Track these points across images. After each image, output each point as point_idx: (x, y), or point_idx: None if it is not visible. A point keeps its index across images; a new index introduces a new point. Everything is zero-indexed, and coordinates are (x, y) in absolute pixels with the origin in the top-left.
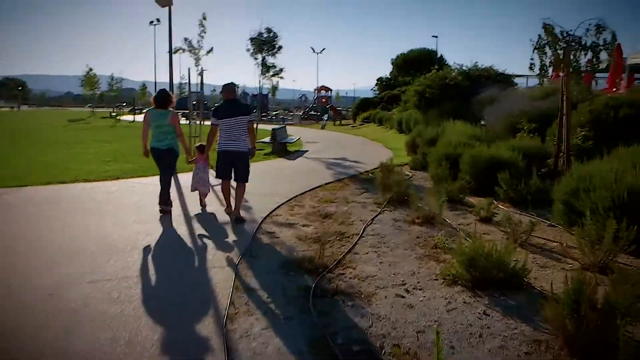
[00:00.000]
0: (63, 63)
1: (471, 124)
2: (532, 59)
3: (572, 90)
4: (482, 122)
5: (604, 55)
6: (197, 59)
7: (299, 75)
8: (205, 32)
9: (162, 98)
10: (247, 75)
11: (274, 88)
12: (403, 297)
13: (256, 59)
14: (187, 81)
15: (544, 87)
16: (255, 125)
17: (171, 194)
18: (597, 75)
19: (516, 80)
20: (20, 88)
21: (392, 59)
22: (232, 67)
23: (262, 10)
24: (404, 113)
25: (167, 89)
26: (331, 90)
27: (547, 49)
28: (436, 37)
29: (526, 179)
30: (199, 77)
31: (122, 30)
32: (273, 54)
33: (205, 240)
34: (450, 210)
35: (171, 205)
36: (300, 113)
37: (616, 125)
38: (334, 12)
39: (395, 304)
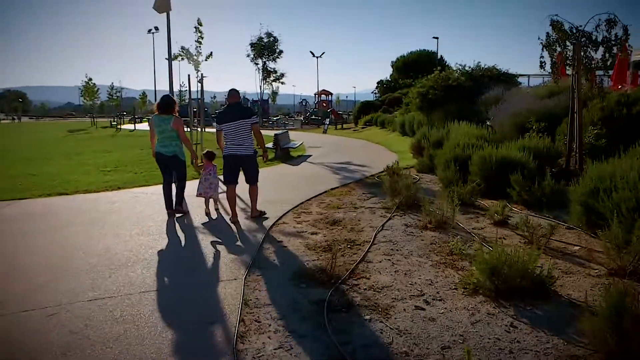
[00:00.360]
0: (63, 74)
1: (476, 125)
2: (542, 57)
3: (583, 87)
4: (488, 123)
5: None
6: (197, 65)
7: (298, 80)
8: (202, 38)
9: (166, 103)
10: (247, 81)
11: (274, 93)
12: (423, 309)
13: (257, 64)
14: (187, 88)
15: (549, 85)
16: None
17: (173, 202)
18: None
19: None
20: (20, 100)
21: (392, 62)
22: (231, 73)
23: (261, 14)
24: (406, 115)
25: (169, 95)
26: (332, 94)
27: (557, 46)
28: (437, 38)
29: (539, 180)
30: (199, 85)
31: (121, 40)
32: (274, 59)
33: (210, 251)
34: (462, 213)
35: (187, 208)
36: (302, 118)
37: (630, 122)
38: (332, 16)
39: (415, 317)
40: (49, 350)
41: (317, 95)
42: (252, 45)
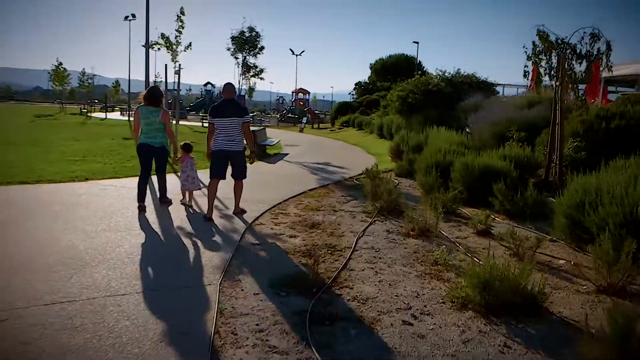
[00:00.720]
0: (32, 57)
1: (455, 131)
2: (526, 66)
3: (570, 99)
4: (467, 130)
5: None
6: (175, 54)
7: (275, 77)
8: (183, 27)
9: (153, 95)
10: (224, 76)
11: (251, 89)
12: (411, 324)
13: (237, 58)
14: (162, 79)
15: (528, 95)
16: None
17: (147, 198)
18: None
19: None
20: None
21: (370, 64)
22: (208, 67)
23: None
24: (384, 118)
25: (157, 87)
26: (309, 93)
27: (542, 56)
28: (417, 43)
29: (521, 190)
30: (176, 76)
31: (96, 25)
32: (254, 55)
33: (183, 252)
34: (444, 221)
35: (170, 201)
36: (278, 115)
37: (608, 136)
38: (312, 15)
39: (403, 333)
40: None
41: (294, 94)
42: (233, 39)
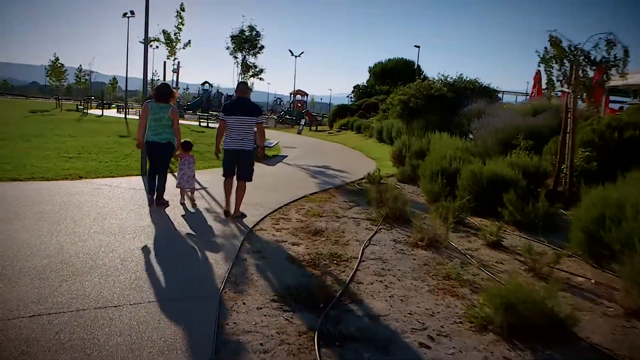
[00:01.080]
0: (29, 52)
1: (457, 137)
2: (547, 71)
3: (585, 107)
4: (471, 136)
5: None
6: (173, 51)
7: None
8: (182, 24)
9: (163, 91)
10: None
11: (249, 90)
12: (428, 347)
13: (236, 57)
14: (160, 77)
15: (534, 103)
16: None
17: (141, 199)
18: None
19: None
20: None
21: (369, 67)
22: (206, 67)
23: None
24: (384, 122)
25: (167, 84)
26: (307, 94)
27: (554, 62)
28: (418, 47)
29: (533, 201)
30: (174, 74)
31: (94, 22)
32: (254, 54)
33: (180, 259)
34: (452, 231)
35: (167, 202)
36: (275, 116)
37: (621, 146)
38: (311, 17)
39: (421, 357)
40: None
41: (292, 95)
42: (232, 37)
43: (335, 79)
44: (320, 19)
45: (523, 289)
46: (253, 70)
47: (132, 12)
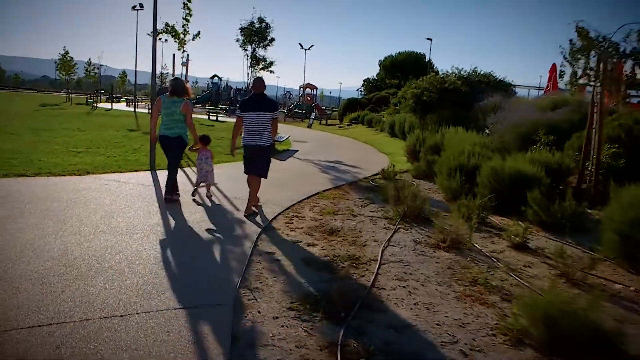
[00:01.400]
0: (40, 46)
1: (473, 132)
2: (562, 66)
3: (613, 102)
4: (487, 131)
5: None
6: (182, 43)
7: (282, 71)
8: (190, 15)
9: (177, 86)
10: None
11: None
12: None
13: (245, 50)
14: (169, 70)
15: (553, 97)
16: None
17: (152, 195)
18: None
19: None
20: None
21: (379, 61)
22: (216, 61)
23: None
24: (396, 116)
25: (180, 79)
26: (317, 88)
27: (580, 55)
28: (430, 40)
29: (555, 199)
30: (183, 67)
31: (104, 16)
32: (264, 47)
33: (189, 262)
34: (474, 231)
35: (178, 195)
36: (284, 110)
37: None
38: (321, 10)
39: None
40: None
41: (302, 88)
42: (242, 29)
43: (345, 73)
44: (330, 11)
45: (563, 299)
46: (263, 63)
47: (141, 5)
